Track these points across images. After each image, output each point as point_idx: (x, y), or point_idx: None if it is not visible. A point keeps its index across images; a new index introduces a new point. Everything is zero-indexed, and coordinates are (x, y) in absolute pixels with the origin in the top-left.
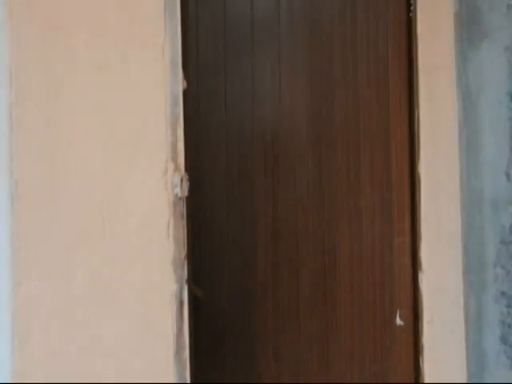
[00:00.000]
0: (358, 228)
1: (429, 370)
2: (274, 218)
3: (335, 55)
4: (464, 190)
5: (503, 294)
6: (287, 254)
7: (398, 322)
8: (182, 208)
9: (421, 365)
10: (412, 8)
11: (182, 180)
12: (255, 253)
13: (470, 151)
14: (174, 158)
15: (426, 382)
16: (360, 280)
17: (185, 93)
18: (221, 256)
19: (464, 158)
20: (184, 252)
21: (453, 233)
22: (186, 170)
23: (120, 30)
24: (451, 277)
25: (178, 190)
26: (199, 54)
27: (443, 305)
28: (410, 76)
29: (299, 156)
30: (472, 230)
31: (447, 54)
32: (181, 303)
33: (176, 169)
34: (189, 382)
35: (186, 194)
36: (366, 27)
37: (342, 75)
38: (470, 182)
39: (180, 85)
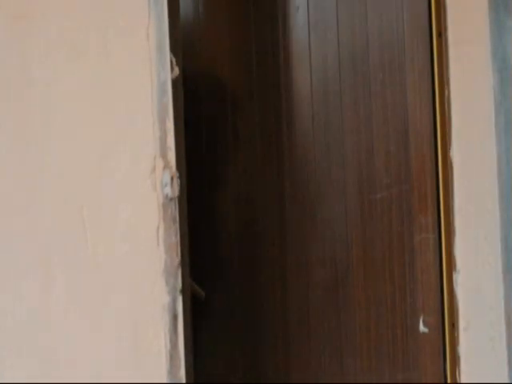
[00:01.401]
0: (374, 224)
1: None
2: (281, 215)
3: None
4: (503, 177)
5: None
6: (294, 254)
7: (422, 328)
8: (174, 210)
9: (457, 377)
10: None
11: (172, 179)
12: (261, 251)
13: (509, 132)
14: (163, 155)
15: None
16: (376, 283)
17: (176, 80)
18: (225, 256)
19: (502, 141)
20: (177, 259)
21: (490, 227)
22: (178, 167)
23: (99, 12)
24: (490, 277)
25: (168, 190)
26: None
27: (481, 309)
28: (439, 50)
29: (306, 145)
30: None
31: (480, 23)
32: (174, 317)
33: (165, 166)
34: None
35: (177, 194)
36: None
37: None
38: (510, 166)
39: (168, 71)
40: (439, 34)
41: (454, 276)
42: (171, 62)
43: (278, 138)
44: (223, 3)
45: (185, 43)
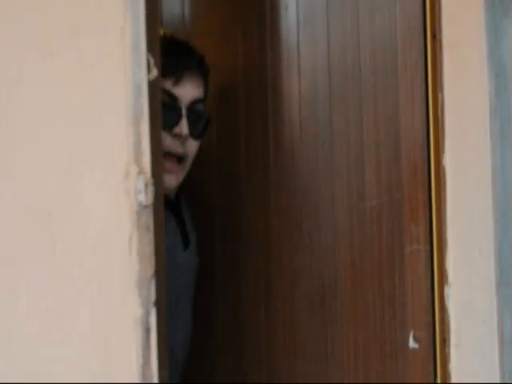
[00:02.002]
0: (363, 235)
1: None
2: (267, 225)
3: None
4: (497, 187)
5: None
6: (280, 267)
7: (412, 344)
8: (148, 218)
9: None
10: None
11: (146, 185)
12: (245, 263)
13: (504, 139)
14: (138, 160)
15: None
16: (365, 296)
17: (154, 82)
18: (208, 268)
19: (497, 149)
20: (151, 270)
21: (484, 238)
22: (154, 172)
23: (71, 10)
24: (483, 291)
25: (142, 197)
26: None
27: (473, 324)
28: (433, 53)
29: (293, 151)
30: (507, 234)
31: (476, 24)
32: (147, 330)
33: (140, 172)
34: None
35: (151, 201)
36: None
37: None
38: (505, 176)
39: (144, 72)
40: (433, 36)
41: (446, 289)
42: (148, 62)
43: (264, 142)
44: (210, 3)
45: None
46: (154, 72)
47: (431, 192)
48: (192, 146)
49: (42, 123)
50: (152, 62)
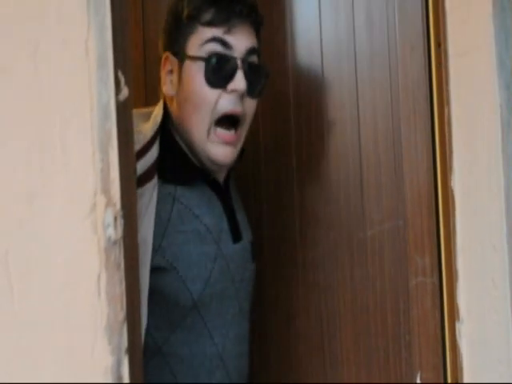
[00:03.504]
0: (364, 266)
1: None
2: (259, 259)
3: None
4: (511, 209)
5: None
6: (275, 303)
7: None
8: (118, 255)
9: None
10: None
11: (116, 218)
12: None
13: None
14: (106, 190)
15: None
16: (367, 334)
17: (125, 102)
18: None
19: (510, 167)
20: (122, 314)
21: (498, 269)
22: (124, 204)
23: (28, 22)
24: (498, 327)
25: (111, 232)
26: None
27: (488, 364)
28: (438, 63)
29: (287, 175)
30: None
31: (485, 32)
32: (119, 378)
33: (108, 203)
34: None
35: (120, 235)
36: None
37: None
38: None
39: (111, 92)
40: (438, 45)
41: (457, 326)
42: (118, 81)
43: (254, 162)
44: None
45: None
46: (125, 91)
47: (438, 218)
48: (250, 107)
49: None
50: (122, 79)
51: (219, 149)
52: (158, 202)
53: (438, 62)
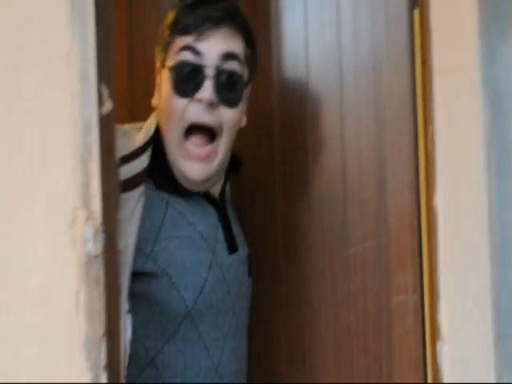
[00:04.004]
0: (345, 284)
1: None
2: None
3: None
4: (494, 230)
5: None
6: (254, 322)
7: None
8: (98, 270)
9: None
10: None
11: (96, 233)
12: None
13: (502, 176)
14: (86, 204)
15: None
16: (348, 353)
17: (108, 116)
18: None
19: (494, 187)
20: (101, 330)
21: (480, 288)
22: (106, 218)
23: (9, 34)
24: (479, 347)
25: (90, 247)
26: None
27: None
28: (423, 80)
29: (268, 191)
30: (506, 283)
31: (470, 48)
32: None
33: (88, 218)
34: None
35: (100, 250)
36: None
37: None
38: (503, 218)
39: (94, 105)
40: (423, 61)
41: (439, 345)
42: (101, 94)
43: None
44: None
45: None
46: (108, 105)
47: (421, 236)
48: (228, 117)
49: None
50: (105, 93)
51: (190, 165)
52: (151, 207)
53: (422, 80)
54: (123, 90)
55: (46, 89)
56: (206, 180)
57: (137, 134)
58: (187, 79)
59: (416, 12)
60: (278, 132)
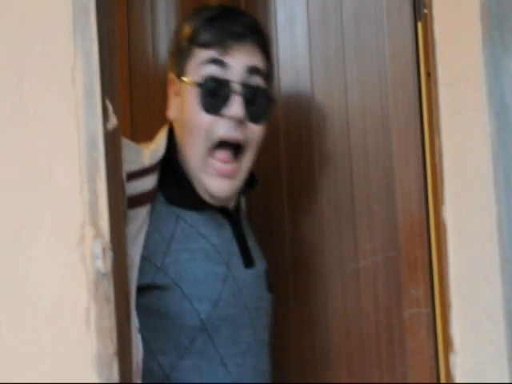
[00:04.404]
0: (356, 298)
1: None
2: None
3: None
4: (504, 241)
5: None
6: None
7: None
8: (108, 287)
9: None
10: (425, 11)
11: (104, 250)
12: None
13: (509, 187)
14: (94, 221)
15: None
16: (361, 367)
17: (113, 131)
18: None
19: (502, 199)
20: (112, 347)
21: (492, 299)
22: (114, 235)
23: (13, 50)
24: (493, 358)
25: (99, 264)
26: None
27: None
28: (428, 92)
29: (275, 205)
30: None
31: (474, 61)
32: None
33: (97, 235)
34: None
35: (109, 267)
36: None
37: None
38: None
39: (99, 121)
40: (428, 74)
41: (452, 358)
42: (106, 109)
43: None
44: None
45: None
46: (113, 120)
47: (431, 249)
48: (253, 134)
49: None
50: (110, 108)
51: (215, 181)
52: (161, 221)
53: (428, 92)
54: (123, 106)
55: (51, 105)
56: (231, 196)
57: (147, 149)
58: (214, 95)
59: (420, 24)
60: (284, 147)
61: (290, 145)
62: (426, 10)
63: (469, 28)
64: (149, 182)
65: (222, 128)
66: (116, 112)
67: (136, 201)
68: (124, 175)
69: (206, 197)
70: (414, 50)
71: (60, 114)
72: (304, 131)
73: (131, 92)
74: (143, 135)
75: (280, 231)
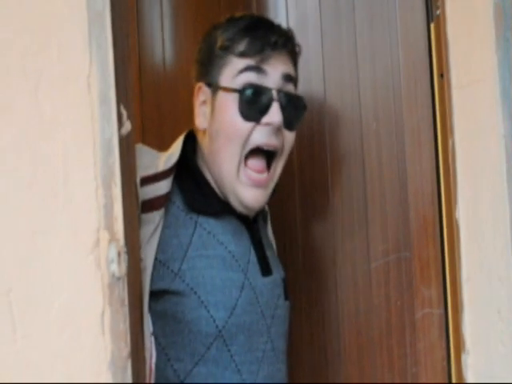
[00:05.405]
0: (368, 299)
1: None
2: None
3: None
4: None
5: None
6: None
7: None
8: (122, 291)
9: None
10: (438, 12)
11: (119, 254)
12: None
13: None
14: (109, 226)
15: None
16: (373, 367)
17: (127, 137)
18: None
19: None
20: (126, 350)
21: (504, 300)
22: (128, 240)
23: (29, 58)
24: (504, 359)
25: (114, 268)
26: None
27: None
28: (441, 93)
29: (289, 206)
30: None
31: (487, 61)
32: None
33: (111, 239)
34: None
35: (124, 271)
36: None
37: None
38: None
39: (114, 127)
40: (441, 75)
41: (463, 358)
42: (121, 115)
43: None
44: (190, 47)
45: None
46: (128, 126)
47: (444, 249)
48: (288, 141)
49: (1, 189)
50: (125, 114)
51: (249, 192)
52: (179, 226)
53: (441, 93)
54: (135, 112)
55: (67, 111)
56: (263, 206)
57: (163, 155)
58: (254, 102)
59: (433, 26)
60: (296, 150)
61: (302, 147)
62: (438, 12)
63: (482, 29)
64: (162, 187)
65: (261, 135)
66: (130, 118)
67: (149, 205)
68: (138, 180)
69: (237, 206)
70: (427, 51)
71: (76, 120)
72: (317, 133)
73: (141, 97)
74: (153, 140)
75: (292, 233)
